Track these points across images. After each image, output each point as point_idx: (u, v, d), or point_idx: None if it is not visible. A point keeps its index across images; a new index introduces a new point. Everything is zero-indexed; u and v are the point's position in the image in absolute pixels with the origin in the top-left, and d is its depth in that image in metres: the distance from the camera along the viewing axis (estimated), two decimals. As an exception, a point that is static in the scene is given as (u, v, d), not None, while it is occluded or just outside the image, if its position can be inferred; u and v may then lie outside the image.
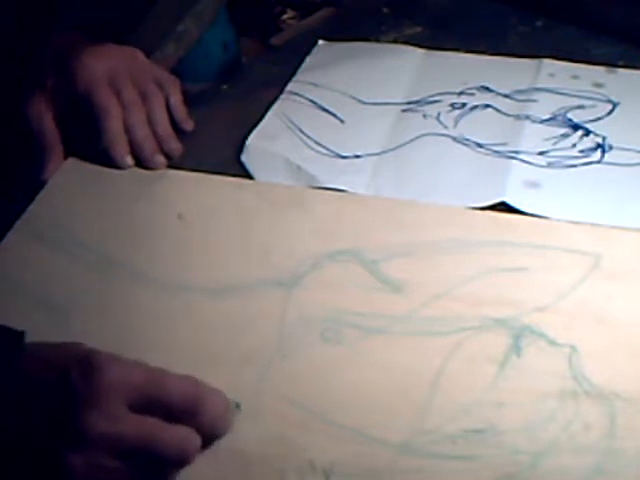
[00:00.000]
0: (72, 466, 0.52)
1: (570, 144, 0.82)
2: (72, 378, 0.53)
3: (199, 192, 0.78)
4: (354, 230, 0.73)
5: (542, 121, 0.85)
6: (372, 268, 0.70)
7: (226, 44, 1.00)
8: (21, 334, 0.56)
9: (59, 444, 0.52)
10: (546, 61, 0.93)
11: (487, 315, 0.66)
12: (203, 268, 0.71)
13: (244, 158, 0.82)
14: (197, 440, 0.55)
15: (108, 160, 0.80)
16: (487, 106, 0.88)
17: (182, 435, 0.54)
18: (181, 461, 0.54)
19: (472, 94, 0.89)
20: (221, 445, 0.58)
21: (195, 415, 0.55)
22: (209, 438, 0.56)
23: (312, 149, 0.83)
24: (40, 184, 0.79)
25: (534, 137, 0.83)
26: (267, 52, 1.01)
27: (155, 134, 0.81)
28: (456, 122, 0.86)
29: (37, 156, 0.80)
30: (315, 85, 0.91)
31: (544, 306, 0.66)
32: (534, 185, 0.78)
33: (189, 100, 0.86)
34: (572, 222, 0.74)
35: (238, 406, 0.58)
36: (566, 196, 0.76)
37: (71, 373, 0.53)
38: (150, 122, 0.81)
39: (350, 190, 0.78)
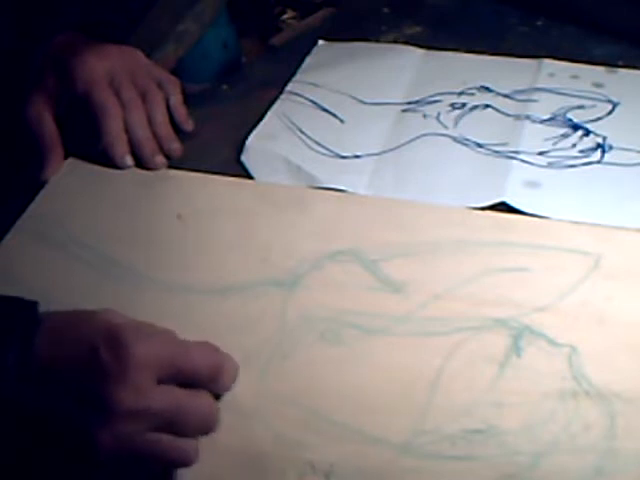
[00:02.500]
0: (102, 442, 0.52)
1: (570, 144, 0.82)
2: (101, 354, 0.53)
3: (199, 192, 0.78)
4: (354, 230, 0.73)
5: (542, 121, 0.85)
6: (372, 268, 0.70)
7: (226, 44, 1.00)
8: (34, 304, 0.56)
9: (88, 420, 0.52)
10: (546, 61, 0.93)
11: (487, 315, 0.66)
12: (203, 268, 0.71)
13: (244, 158, 0.82)
14: (217, 407, 0.57)
15: (108, 160, 0.80)
16: (487, 106, 0.88)
17: (206, 404, 0.56)
18: (206, 430, 0.56)
19: (472, 94, 0.90)
20: (221, 445, 0.58)
21: (216, 381, 0.57)
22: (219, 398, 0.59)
23: (312, 149, 0.83)
24: (40, 184, 0.79)
25: (534, 137, 0.83)
26: (267, 52, 1.01)
27: (155, 134, 0.81)
28: (456, 122, 0.86)
29: (37, 156, 0.80)
30: (315, 85, 0.91)
31: (544, 306, 0.66)
32: (534, 185, 0.78)
33: (189, 100, 0.86)
34: (572, 222, 0.74)
35: None
36: (566, 196, 0.77)
37: (100, 349, 0.53)
38: (150, 122, 0.81)
39: (350, 190, 0.78)
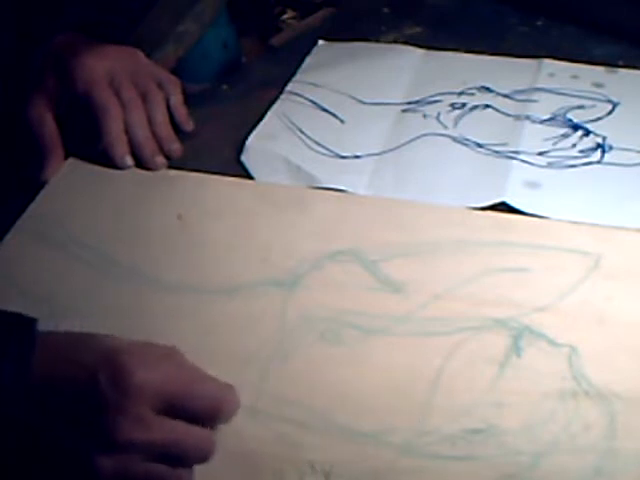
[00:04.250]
0: (101, 469, 0.52)
1: (570, 144, 0.82)
2: (101, 381, 0.52)
3: (199, 192, 0.78)
4: (354, 230, 0.73)
5: (542, 121, 0.85)
6: (372, 268, 0.70)
7: (226, 44, 1.00)
8: (32, 320, 0.55)
9: (87, 445, 0.52)
10: (546, 61, 0.93)
11: (487, 315, 0.66)
12: (203, 268, 0.71)
13: (244, 158, 0.82)
14: (214, 439, 0.55)
15: (108, 160, 0.80)
16: (487, 106, 0.88)
17: (204, 437, 0.55)
18: (202, 461, 0.55)
19: (472, 94, 0.90)
20: (221, 445, 0.58)
21: (214, 419, 0.56)
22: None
23: (312, 149, 0.83)
24: (40, 184, 0.79)
25: (534, 137, 0.83)
26: (267, 52, 1.01)
27: (155, 134, 0.81)
28: (456, 122, 0.86)
29: (37, 156, 0.80)
30: (315, 85, 0.91)
31: (544, 306, 0.66)
32: (534, 185, 0.78)
33: (189, 100, 0.86)
34: (572, 222, 0.74)
35: None
36: (566, 196, 0.77)
37: (99, 375, 0.52)
38: (150, 122, 0.81)
39: (350, 190, 0.78)
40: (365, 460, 0.57)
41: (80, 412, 0.52)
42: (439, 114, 0.87)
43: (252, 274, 0.70)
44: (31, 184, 0.79)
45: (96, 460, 0.52)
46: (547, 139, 0.83)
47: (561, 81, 0.91)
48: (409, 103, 0.89)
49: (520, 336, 0.64)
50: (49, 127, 0.79)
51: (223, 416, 0.56)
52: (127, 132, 0.80)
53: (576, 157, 0.81)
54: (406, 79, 0.92)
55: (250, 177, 0.80)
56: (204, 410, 0.55)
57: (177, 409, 0.54)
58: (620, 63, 0.93)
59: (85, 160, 0.81)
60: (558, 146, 0.82)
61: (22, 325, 0.55)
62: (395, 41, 1.00)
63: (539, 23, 1.02)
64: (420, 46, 0.97)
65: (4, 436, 0.53)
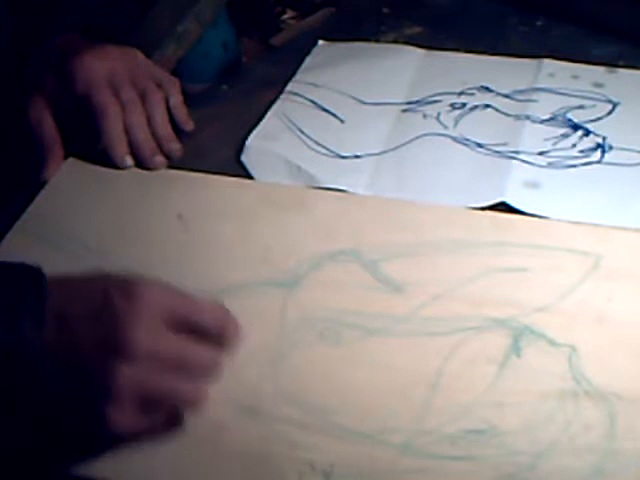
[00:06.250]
0: (124, 384, 0.53)
1: (570, 144, 0.82)
2: (114, 299, 0.54)
3: (199, 192, 0.78)
4: (354, 230, 0.73)
5: (542, 121, 0.85)
6: (372, 268, 0.70)
7: (226, 44, 1.00)
8: (39, 270, 0.57)
9: (109, 364, 0.53)
10: (546, 61, 0.93)
11: (487, 315, 0.66)
12: (203, 268, 0.71)
13: (244, 158, 0.82)
14: (222, 360, 0.57)
15: (108, 160, 0.80)
16: (487, 106, 0.88)
17: (212, 355, 0.57)
18: (212, 377, 0.57)
19: (472, 94, 0.90)
20: (221, 445, 0.58)
21: (221, 338, 0.58)
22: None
23: (312, 149, 0.83)
24: (40, 184, 0.79)
25: (534, 137, 0.83)
26: (267, 52, 1.02)
27: (155, 134, 0.81)
28: (456, 122, 0.86)
29: (37, 156, 0.80)
30: (315, 85, 0.91)
31: (544, 306, 0.66)
32: (534, 185, 0.78)
33: (189, 100, 0.86)
34: (572, 222, 0.74)
35: None
36: (566, 196, 0.77)
37: (113, 295, 0.55)
38: (150, 122, 0.81)
39: (350, 190, 0.78)
40: (365, 460, 0.57)
41: (97, 334, 0.54)
42: (439, 114, 0.87)
43: (252, 274, 0.70)
44: (31, 184, 0.79)
45: (117, 371, 0.53)
46: (547, 139, 0.83)
47: (561, 81, 0.91)
48: (409, 103, 0.89)
49: (520, 336, 0.64)
50: (49, 127, 0.79)
51: (228, 337, 0.58)
52: (127, 132, 0.80)
53: (576, 157, 0.81)
54: (406, 79, 0.92)
55: (250, 177, 0.80)
56: (210, 327, 0.57)
57: (186, 325, 0.56)
58: (620, 63, 0.93)
59: (85, 160, 0.81)
60: (558, 146, 0.82)
61: (31, 276, 0.56)
62: (395, 41, 1.00)
63: (539, 23, 1.02)
64: (420, 46, 0.97)
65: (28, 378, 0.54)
